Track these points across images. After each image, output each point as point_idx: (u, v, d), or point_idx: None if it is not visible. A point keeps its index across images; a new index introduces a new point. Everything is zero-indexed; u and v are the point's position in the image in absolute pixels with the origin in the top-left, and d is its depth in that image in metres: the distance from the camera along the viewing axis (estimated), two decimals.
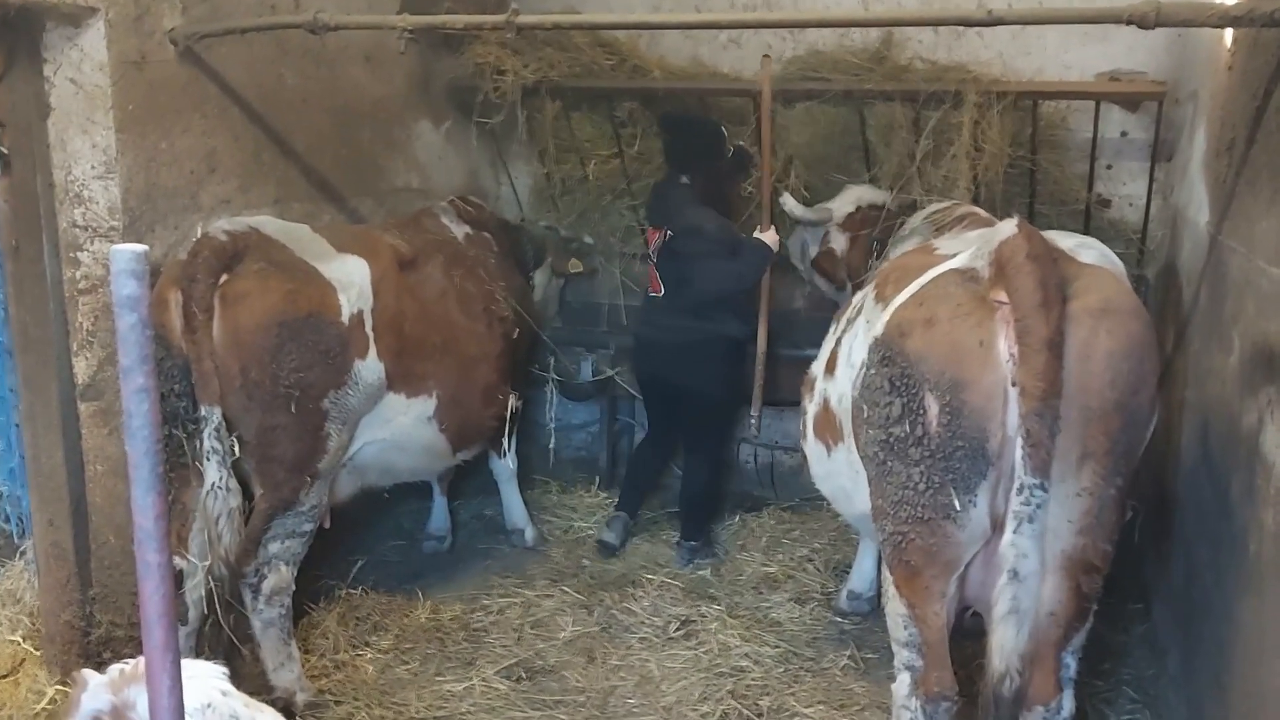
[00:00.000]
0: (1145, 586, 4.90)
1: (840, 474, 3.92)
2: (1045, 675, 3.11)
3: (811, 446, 4.19)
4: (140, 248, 1.40)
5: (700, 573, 5.50)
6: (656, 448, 6.03)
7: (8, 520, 4.97)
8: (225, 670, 2.07)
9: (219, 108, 4.52)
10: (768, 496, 6.41)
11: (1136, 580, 4.89)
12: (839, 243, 5.37)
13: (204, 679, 2.03)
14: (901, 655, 3.34)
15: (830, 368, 3.96)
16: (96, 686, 1.99)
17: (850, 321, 3.87)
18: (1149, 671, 4.47)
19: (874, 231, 5.24)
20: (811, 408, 4.18)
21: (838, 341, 3.96)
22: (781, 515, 6.10)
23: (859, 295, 4.04)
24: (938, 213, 4.66)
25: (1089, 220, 5.47)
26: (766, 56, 5.27)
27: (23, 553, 4.93)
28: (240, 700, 2.04)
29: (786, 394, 5.14)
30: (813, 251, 5.52)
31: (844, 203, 5.37)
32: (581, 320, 6.57)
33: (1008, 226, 3.15)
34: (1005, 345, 2.97)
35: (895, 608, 3.31)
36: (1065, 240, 3.38)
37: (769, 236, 5.23)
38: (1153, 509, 4.56)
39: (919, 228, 4.70)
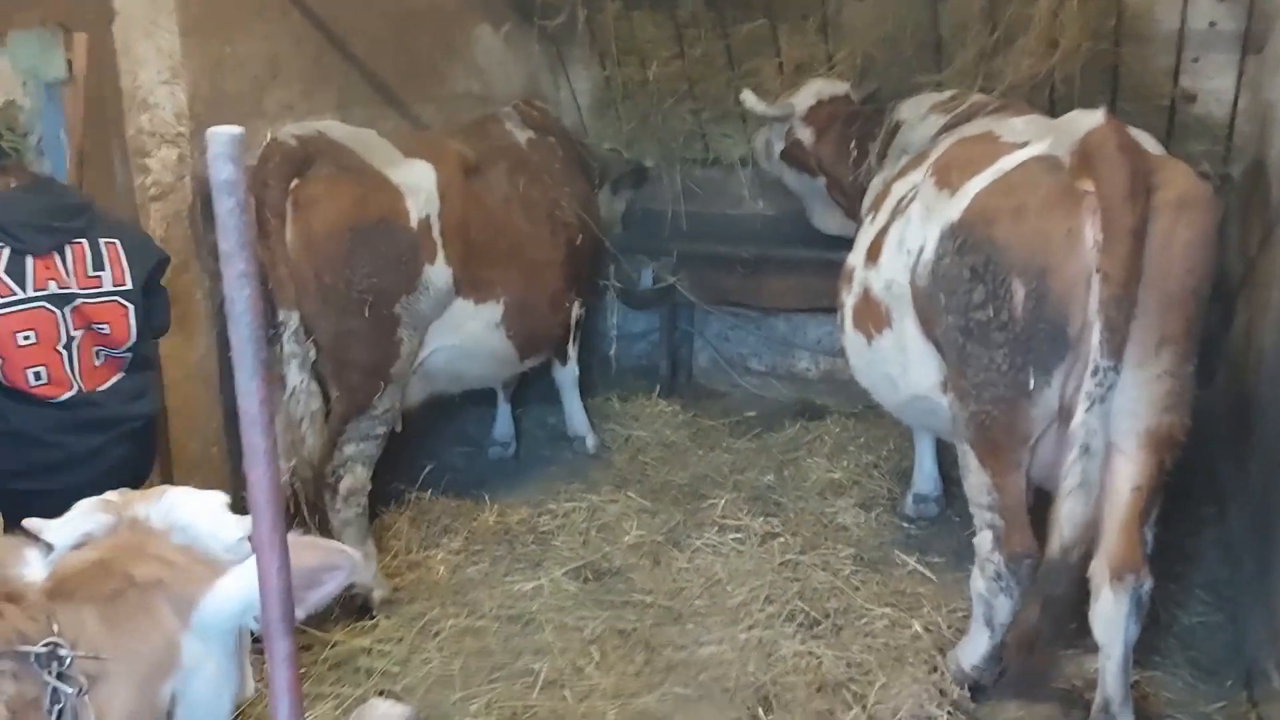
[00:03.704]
0: (1220, 491, 4.82)
1: (885, 361, 4.04)
2: (1131, 547, 3.24)
3: (850, 338, 4.30)
4: (236, 130, 1.38)
5: (765, 479, 5.51)
6: None
7: None
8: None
9: (279, 11, 4.48)
10: (829, 404, 6.38)
11: (1210, 484, 4.82)
12: (805, 134, 5.44)
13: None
14: (983, 516, 3.56)
15: (873, 255, 4.05)
16: (83, 510, 1.97)
17: (899, 210, 3.94)
18: (1223, 576, 4.43)
19: (851, 129, 5.26)
20: (850, 299, 4.26)
21: (882, 230, 4.04)
22: (845, 422, 6.04)
23: (903, 184, 4.08)
24: (945, 102, 4.68)
25: (1173, 116, 5.26)
26: None
27: None
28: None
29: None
30: (778, 147, 5.58)
31: (805, 96, 5.45)
32: (643, 227, 6.50)
33: (1091, 116, 3.26)
34: (1091, 233, 3.09)
35: (978, 479, 3.52)
36: None
37: None
38: (1231, 412, 4.46)
39: (926, 116, 4.69)
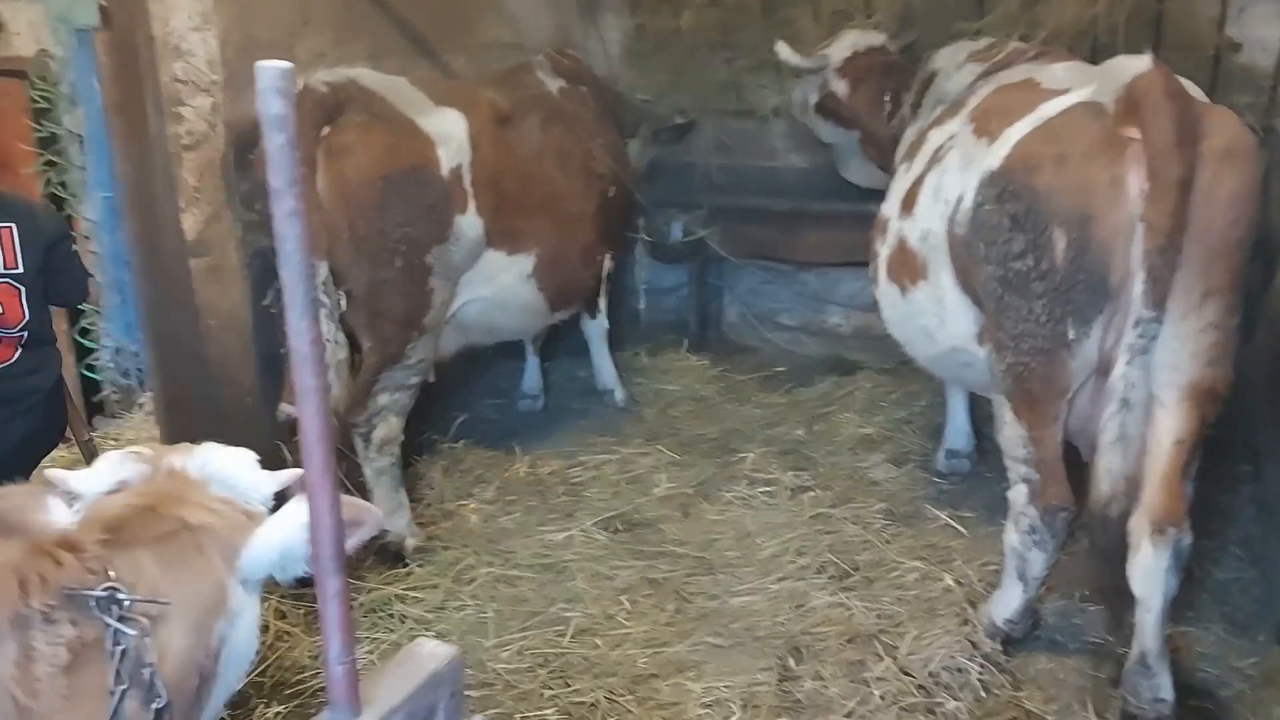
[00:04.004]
0: (1256, 448, 4.77)
1: (920, 314, 4.01)
2: (1175, 500, 3.21)
3: (884, 290, 4.26)
4: (286, 64, 1.37)
5: (796, 434, 5.50)
6: None
7: (126, 374, 5.16)
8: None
9: None
10: (861, 359, 6.35)
11: (1246, 441, 4.76)
12: (839, 87, 5.38)
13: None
14: (1018, 470, 3.54)
15: (908, 206, 4.01)
16: (116, 460, 2.04)
17: (936, 159, 3.89)
18: (1257, 532, 4.39)
19: (886, 81, 5.20)
20: (884, 250, 4.21)
21: (917, 180, 3.99)
22: (877, 378, 6.03)
23: (939, 133, 4.03)
24: (983, 50, 4.61)
25: (1217, 66, 5.14)
26: None
27: (141, 405, 5.15)
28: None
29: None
30: (813, 99, 5.52)
31: (839, 48, 5.39)
32: (674, 180, 6.44)
33: (1137, 62, 3.19)
34: (1135, 182, 3.04)
35: (1013, 431, 3.50)
36: None
37: None
38: (1270, 368, 4.40)
39: (963, 65, 4.61)
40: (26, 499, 1.98)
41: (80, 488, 2.03)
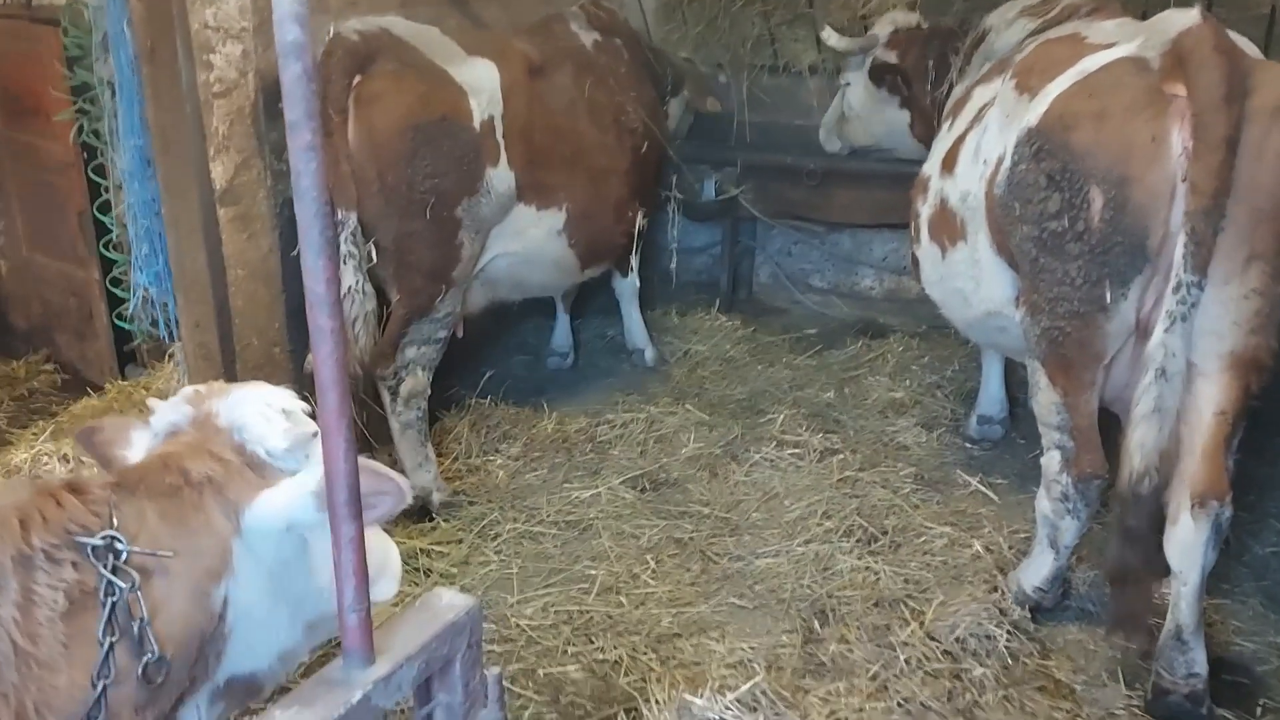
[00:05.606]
0: None
1: (957, 275, 3.95)
2: (1216, 473, 3.12)
3: (925, 250, 4.19)
4: None
5: (825, 396, 5.45)
6: None
7: (155, 324, 5.17)
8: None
9: None
10: (892, 323, 6.27)
11: None
12: (890, 57, 5.34)
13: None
14: (1052, 437, 3.49)
15: (949, 165, 3.94)
16: (172, 403, 2.01)
17: (979, 118, 3.82)
18: None
19: (929, 48, 5.13)
20: (925, 209, 4.14)
21: (959, 139, 3.92)
22: (908, 342, 5.94)
23: (984, 90, 3.95)
24: (1035, 5, 4.48)
25: (1271, 27, 4.97)
26: None
27: (170, 355, 5.16)
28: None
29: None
30: (861, 77, 5.46)
31: (883, 25, 5.39)
32: (707, 137, 6.34)
33: (1186, 16, 3.08)
34: (1179, 140, 2.94)
35: (1048, 397, 3.44)
36: None
37: None
38: None
39: (1014, 21, 4.50)
40: (116, 432, 2.00)
41: (155, 422, 2.00)
